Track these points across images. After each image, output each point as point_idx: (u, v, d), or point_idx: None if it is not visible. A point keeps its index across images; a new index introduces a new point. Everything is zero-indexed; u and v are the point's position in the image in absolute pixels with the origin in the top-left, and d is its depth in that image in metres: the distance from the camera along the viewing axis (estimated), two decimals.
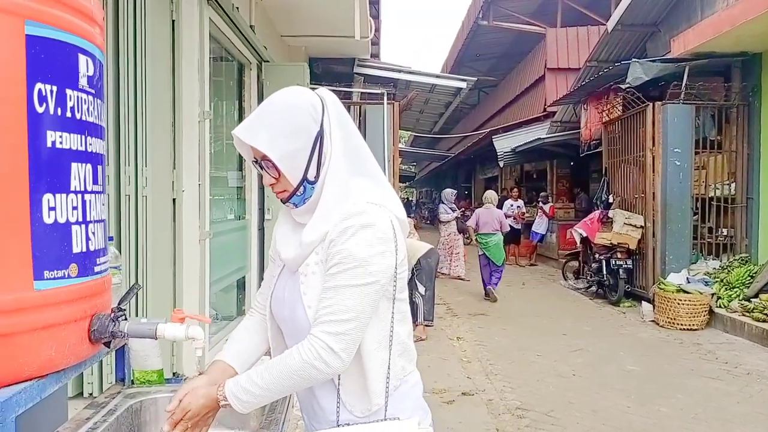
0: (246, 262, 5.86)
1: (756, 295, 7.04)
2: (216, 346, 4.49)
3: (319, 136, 1.38)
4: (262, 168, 1.41)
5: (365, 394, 1.37)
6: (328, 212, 1.36)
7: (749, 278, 7.48)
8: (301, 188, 1.39)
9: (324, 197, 1.37)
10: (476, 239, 9.79)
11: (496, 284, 9.69)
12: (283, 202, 1.43)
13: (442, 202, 11.82)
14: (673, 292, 7.49)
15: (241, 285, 5.96)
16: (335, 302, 1.30)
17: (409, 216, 11.41)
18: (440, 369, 5.61)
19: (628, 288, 8.93)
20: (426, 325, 6.88)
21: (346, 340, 1.29)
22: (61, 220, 1.26)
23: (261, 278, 6.09)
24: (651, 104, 8.58)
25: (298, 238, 1.41)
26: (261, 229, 6.14)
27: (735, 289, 7.43)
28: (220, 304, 5.49)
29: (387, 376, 1.38)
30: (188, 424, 1.36)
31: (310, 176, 1.38)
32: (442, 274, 11.32)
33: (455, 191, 12.60)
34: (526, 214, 14.59)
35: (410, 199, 43.19)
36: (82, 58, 1.35)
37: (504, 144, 15.70)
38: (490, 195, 10.12)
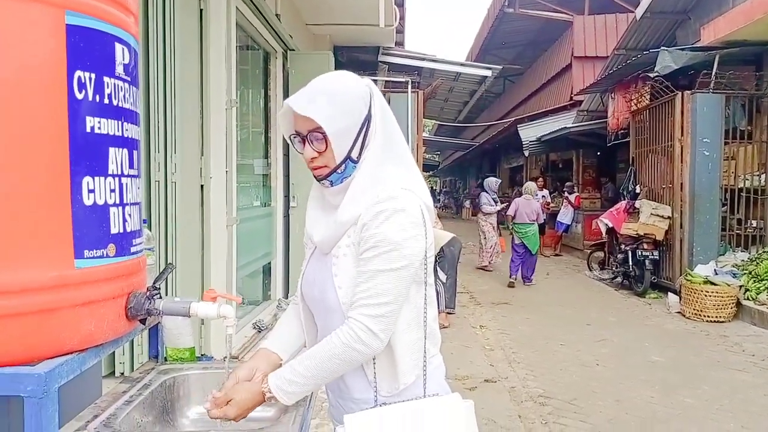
0: (272, 248, 5.94)
1: None
2: (243, 329, 4.58)
3: (367, 119, 1.43)
4: (304, 142, 1.43)
5: (393, 374, 1.41)
6: (362, 193, 1.40)
7: None
8: (343, 166, 1.42)
9: (357, 179, 1.41)
10: (513, 229, 9.98)
11: (531, 275, 9.94)
12: (320, 179, 1.45)
13: (485, 191, 11.15)
14: (700, 284, 7.41)
15: (267, 271, 6.05)
16: (372, 285, 1.34)
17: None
18: (463, 356, 5.65)
19: (654, 279, 8.86)
20: (447, 313, 6.91)
21: (385, 321, 1.34)
22: (100, 202, 1.32)
23: (286, 264, 6.18)
24: (680, 93, 8.46)
25: (329, 219, 1.44)
26: (286, 216, 6.22)
27: (763, 281, 7.33)
28: (247, 289, 5.58)
29: (415, 358, 1.42)
30: (228, 411, 1.39)
31: (354, 155, 1.42)
32: (484, 268, 11.19)
33: (499, 180, 11.98)
34: (551, 204, 14.50)
35: (434, 188, 43.10)
36: (119, 47, 1.40)
37: (529, 133, 15.59)
38: (531, 186, 10.39)
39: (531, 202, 10.00)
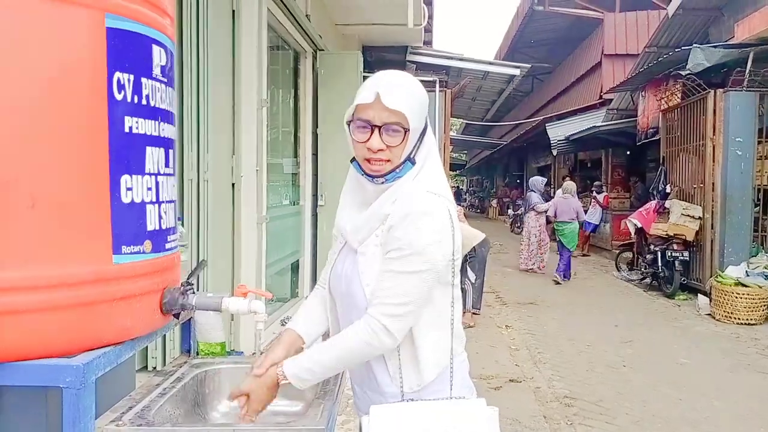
0: (300, 246, 6.00)
1: None
2: (272, 326, 4.64)
3: (427, 124, 1.50)
4: (372, 131, 1.41)
5: (417, 370, 1.44)
6: (394, 193, 1.44)
7: None
8: (402, 166, 1.45)
9: (396, 182, 1.45)
10: (554, 227, 10.38)
11: (565, 269, 10.19)
12: (374, 176, 1.45)
13: (532, 191, 11.13)
14: (731, 285, 7.29)
15: (295, 268, 6.11)
16: (393, 286, 1.38)
17: (459, 204, 11.37)
18: (488, 356, 5.64)
19: (683, 280, 8.73)
20: (473, 313, 6.90)
21: (402, 322, 1.38)
22: (137, 199, 1.37)
23: (314, 263, 6.23)
24: (712, 91, 8.31)
25: (362, 215, 1.48)
26: (314, 215, 6.27)
27: None
28: (275, 286, 5.65)
29: (438, 356, 1.46)
30: (254, 407, 1.46)
31: (413, 156, 1.46)
32: (531, 270, 11.10)
33: (545, 179, 11.92)
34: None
35: (460, 187, 42.93)
36: (156, 49, 1.44)
37: (558, 132, 15.46)
38: (570, 186, 10.57)
39: (570, 200, 10.26)
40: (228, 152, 3.67)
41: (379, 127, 1.41)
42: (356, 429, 3.53)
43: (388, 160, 1.43)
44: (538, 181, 11.24)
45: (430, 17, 9.56)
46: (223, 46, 3.62)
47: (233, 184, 3.74)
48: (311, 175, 6.16)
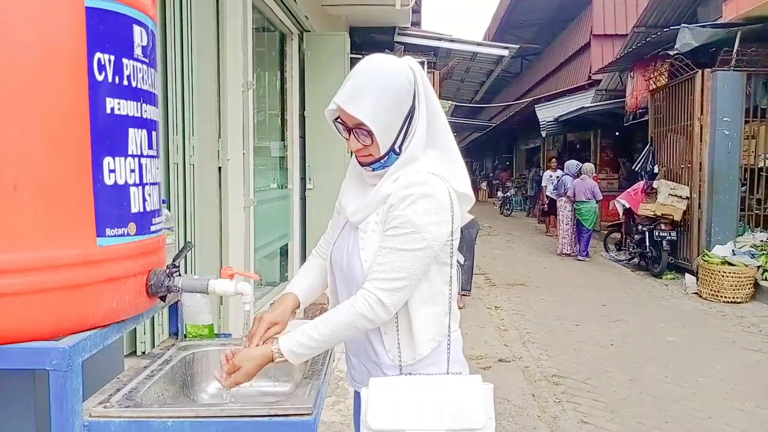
0: (288, 230, 6.00)
1: None
2: (260, 310, 4.64)
3: (411, 111, 1.47)
4: (350, 132, 1.47)
5: (412, 344, 1.50)
6: (399, 174, 1.47)
7: None
8: (386, 156, 1.48)
9: (396, 164, 1.49)
10: (573, 207, 10.79)
11: (585, 248, 10.63)
12: (362, 164, 1.52)
13: (567, 174, 11.21)
14: (717, 264, 7.36)
15: (284, 252, 6.11)
16: (390, 262, 1.42)
17: None
18: (478, 336, 5.68)
19: (671, 260, 8.81)
20: (463, 295, 6.94)
21: (396, 296, 1.42)
22: (120, 181, 1.36)
23: (303, 246, 6.23)
24: (700, 71, 8.33)
25: (364, 195, 1.53)
26: (303, 199, 6.26)
27: None
28: (264, 270, 5.65)
29: (433, 331, 1.51)
30: (238, 378, 1.46)
31: (397, 147, 1.48)
32: (566, 254, 11.01)
33: (580, 163, 11.59)
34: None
35: None
36: (137, 29, 1.43)
37: (546, 113, 15.47)
38: (587, 167, 10.96)
39: (586, 181, 10.64)
40: (214, 136, 3.65)
41: (352, 129, 1.46)
42: (347, 408, 3.57)
43: (369, 155, 1.48)
44: (572, 164, 11.32)
45: None
46: (208, 27, 3.58)
47: (220, 168, 3.72)
48: (299, 159, 6.14)
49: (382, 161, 1.48)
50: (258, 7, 4.76)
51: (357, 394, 1.65)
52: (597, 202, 10.61)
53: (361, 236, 1.50)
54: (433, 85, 6.81)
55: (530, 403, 4.13)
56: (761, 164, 8.40)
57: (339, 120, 1.48)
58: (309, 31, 6.15)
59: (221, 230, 3.77)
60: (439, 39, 9.83)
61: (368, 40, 8.65)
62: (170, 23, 3.17)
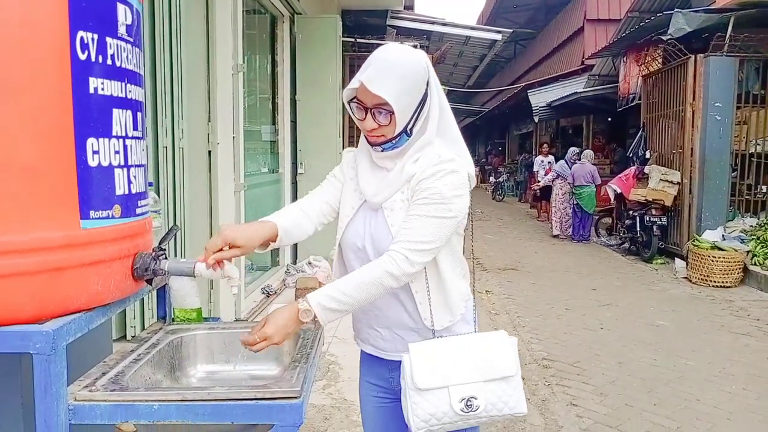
0: None
1: None
2: (252, 294, 4.64)
3: (424, 97, 1.57)
4: (366, 112, 1.55)
5: (446, 309, 1.63)
6: (414, 157, 1.58)
7: None
8: (398, 138, 1.56)
9: (414, 146, 1.59)
10: (573, 191, 11.03)
11: (586, 233, 10.93)
12: (373, 145, 1.60)
13: (565, 160, 11.60)
14: (707, 249, 7.40)
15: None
16: (417, 226, 1.52)
17: None
18: None
19: (661, 245, 8.85)
20: None
21: (422, 258, 1.52)
22: (105, 163, 1.34)
23: None
24: (693, 57, 8.32)
25: (380, 178, 1.62)
26: (294, 183, 6.23)
27: None
28: (255, 255, 5.62)
29: (460, 296, 1.67)
30: (267, 330, 1.45)
31: (409, 129, 1.57)
32: (555, 236, 11.39)
33: (579, 149, 12.15)
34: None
35: None
36: (121, 7, 1.40)
37: (539, 98, 15.44)
38: (588, 153, 11.50)
39: (585, 165, 10.94)
40: (203, 119, 3.61)
41: (370, 108, 1.53)
42: (337, 391, 3.58)
43: (382, 135, 1.56)
44: (572, 151, 11.70)
45: None
46: (197, 9, 3.53)
47: (210, 152, 3.69)
48: (290, 143, 6.10)
49: (393, 142, 1.57)
50: None
51: (364, 371, 1.79)
52: (595, 186, 10.86)
53: (387, 214, 1.59)
54: None
55: None
56: (752, 150, 8.42)
57: (355, 100, 1.55)
58: (300, 13, 6.09)
59: (211, 214, 3.75)
60: (432, 23, 9.77)
61: (360, 23, 8.59)
62: (159, 4, 3.12)
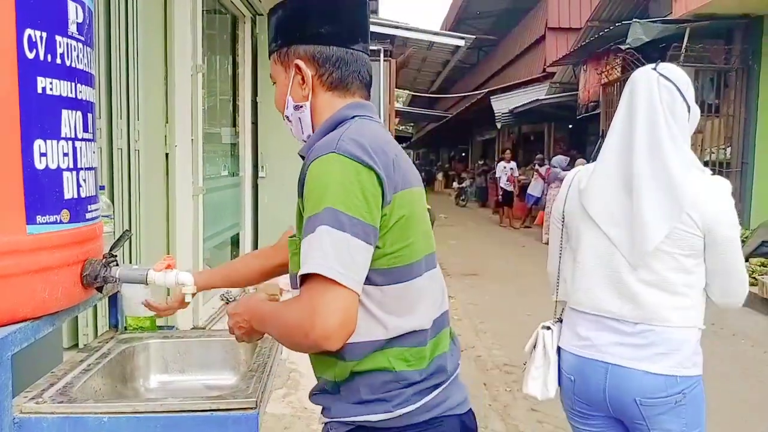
0: (240, 218, 5.89)
1: (746, 260, 7.13)
2: (210, 300, 4.55)
3: None
4: None
5: None
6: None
7: (741, 242, 7.54)
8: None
9: None
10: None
11: None
12: None
13: (555, 167, 11.94)
14: None
15: (235, 241, 5.99)
16: None
17: None
18: None
19: None
20: None
21: None
22: (53, 166, 1.28)
23: (255, 235, 6.12)
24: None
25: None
26: (255, 187, 6.14)
27: None
28: (215, 260, 5.53)
29: None
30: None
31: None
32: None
33: (567, 158, 12.60)
34: (522, 177, 14.63)
35: None
36: (71, 5, 1.35)
37: (502, 105, 15.62)
38: (559, 159, 12.03)
39: (558, 172, 11.36)
40: (161, 120, 3.52)
41: None
42: (298, 400, 3.53)
43: None
44: (562, 159, 12.05)
45: None
46: (155, 7, 3.45)
47: (167, 154, 3.60)
48: (251, 146, 6.02)
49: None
50: None
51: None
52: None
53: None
54: (390, 74, 6.75)
55: (482, 392, 4.17)
56: (707, 158, 8.65)
57: None
58: (262, 14, 6.01)
59: (168, 219, 3.65)
60: (396, 27, 9.77)
61: None
62: (114, 3, 3.04)
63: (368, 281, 1.16)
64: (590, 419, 1.84)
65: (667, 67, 1.76)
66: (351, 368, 1.21)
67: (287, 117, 1.37)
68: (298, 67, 1.30)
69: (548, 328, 1.87)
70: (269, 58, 1.41)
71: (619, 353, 1.66)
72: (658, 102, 1.69)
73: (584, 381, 1.75)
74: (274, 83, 1.39)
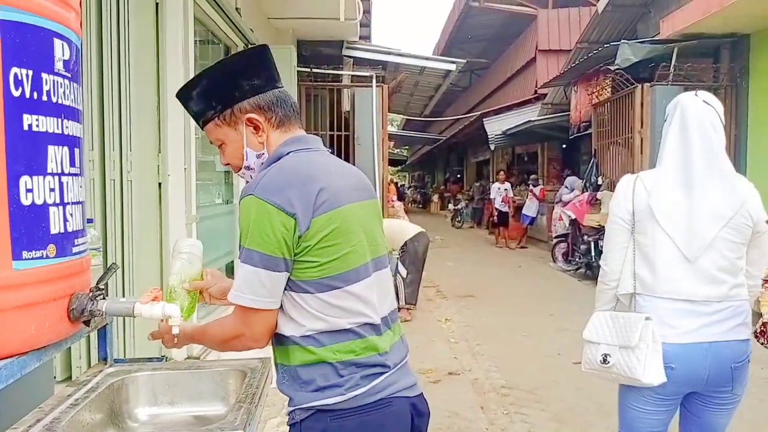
0: (234, 246, 5.88)
1: None
2: None
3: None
4: None
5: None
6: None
7: None
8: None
9: None
10: None
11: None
12: None
13: (566, 187, 11.81)
14: None
15: (230, 269, 5.98)
16: None
17: (400, 200, 11.53)
18: (427, 350, 5.68)
19: None
20: (408, 308, 6.92)
21: None
22: (39, 201, 1.29)
23: None
24: (640, 86, 8.61)
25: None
26: None
27: None
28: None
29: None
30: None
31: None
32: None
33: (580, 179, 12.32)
34: (517, 197, 14.68)
35: (402, 183, 43.09)
36: (58, 43, 1.37)
37: (495, 127, 15.71)
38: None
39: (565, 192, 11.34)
40: (153, 151, 3.55)
41: None
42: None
43: None
44: (575, 180, 11.71)
45: (367, 12, 9.54)
46: (147, 40, 3.50)
47: (160, 184, 3.62)
48: None
49: None
50: (200, 19, 4.69)
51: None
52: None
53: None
54: (382, 99, 6.82)
55: (479, 415, 4.14)
56: None
57: None
58: (254, 44, 6.08)
59: (162, 248, 3.66)
60: (388, 53, 9.87)
61: (316, 53, 8.64)
62: (107, 36, 3.08)
63: (303, 291, 1.40)
64: (671, 402, 2.14)
65: (706, 95, 2.14)
66: (301, 358, 1.42)
67: (247, 167, 1.54)
68: (249, 119, 1.49)
69: (648, 318, 2.07)
70: (203, 128, 1.58)
71: (711, 332, 1.99)
72: (707, 122, 2.06)
73: (687, 365, 2.01)
74: (220, 146, 1.55)
